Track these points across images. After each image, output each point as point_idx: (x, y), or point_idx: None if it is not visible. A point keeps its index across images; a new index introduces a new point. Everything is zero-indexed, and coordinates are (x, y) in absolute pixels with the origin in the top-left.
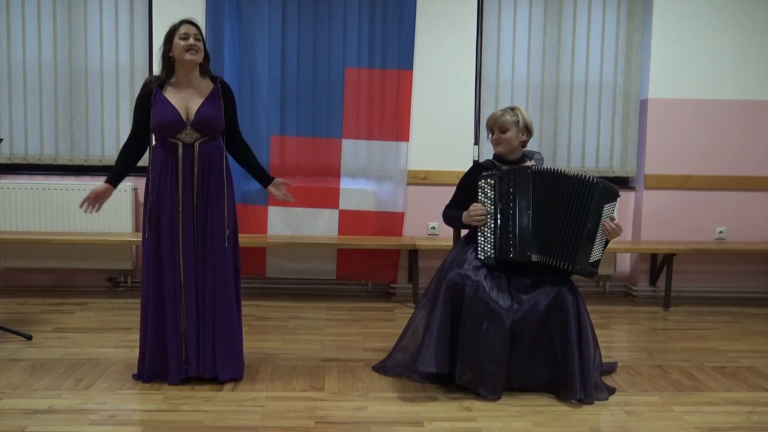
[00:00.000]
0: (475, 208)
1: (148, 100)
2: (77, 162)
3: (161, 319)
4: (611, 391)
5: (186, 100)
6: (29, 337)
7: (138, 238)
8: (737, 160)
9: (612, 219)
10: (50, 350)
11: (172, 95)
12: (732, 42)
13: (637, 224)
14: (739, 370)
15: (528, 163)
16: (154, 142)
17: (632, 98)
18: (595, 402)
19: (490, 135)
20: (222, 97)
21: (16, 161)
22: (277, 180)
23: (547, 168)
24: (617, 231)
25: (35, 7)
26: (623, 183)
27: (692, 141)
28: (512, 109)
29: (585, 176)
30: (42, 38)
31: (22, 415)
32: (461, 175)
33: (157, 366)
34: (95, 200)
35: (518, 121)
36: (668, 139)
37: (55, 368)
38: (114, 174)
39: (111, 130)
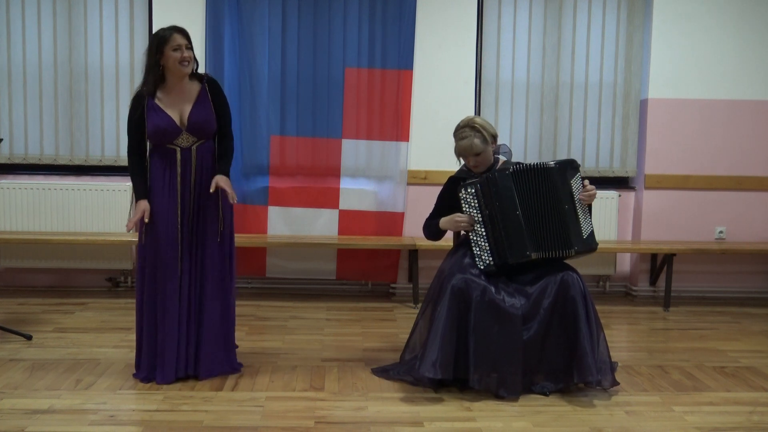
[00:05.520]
0: (460, 216)
1: (142, 112)
2: (77, 162)
3: (156, 321)
4: (615, 382)
5: (178, 105)
6: (29, 337)
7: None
8: (737, 160)
9: (584, 186)
10: (50, 350)
11: (163, 102)
12: (732, 42)
13: (637, 224)
14: (739, 370)
15: (501, 160)
16: (149, 147)
17: (632, 98)
18: (596, 401)
19: (463, 161)
20: (210, 96)
21: (16, 161)
22: (220, 178)
23: (524, 165)
24: (593, 194)
25: (35, 7)
26: (623, 183)
27: (692, 141)
28: (472, 127)
29: (542, 164)
30: (42, 38)
31: (22, 415)
32: None
33: (152, 368)
34: (140, 218)
35: (486, 138)
36: (668, 139)
37: (55, 368)
38: (140, 190)
39: (111, 130)
